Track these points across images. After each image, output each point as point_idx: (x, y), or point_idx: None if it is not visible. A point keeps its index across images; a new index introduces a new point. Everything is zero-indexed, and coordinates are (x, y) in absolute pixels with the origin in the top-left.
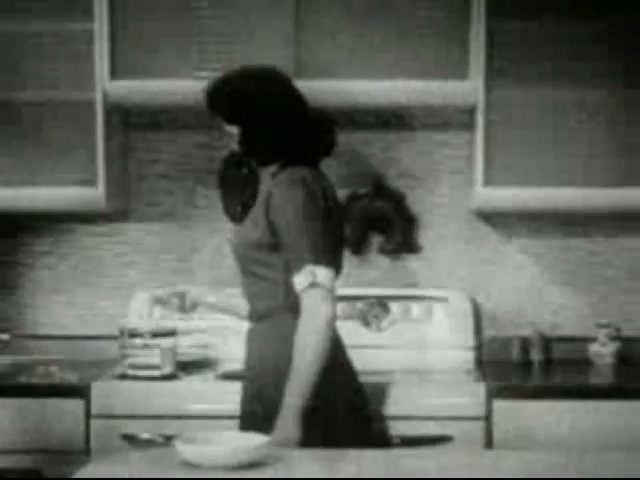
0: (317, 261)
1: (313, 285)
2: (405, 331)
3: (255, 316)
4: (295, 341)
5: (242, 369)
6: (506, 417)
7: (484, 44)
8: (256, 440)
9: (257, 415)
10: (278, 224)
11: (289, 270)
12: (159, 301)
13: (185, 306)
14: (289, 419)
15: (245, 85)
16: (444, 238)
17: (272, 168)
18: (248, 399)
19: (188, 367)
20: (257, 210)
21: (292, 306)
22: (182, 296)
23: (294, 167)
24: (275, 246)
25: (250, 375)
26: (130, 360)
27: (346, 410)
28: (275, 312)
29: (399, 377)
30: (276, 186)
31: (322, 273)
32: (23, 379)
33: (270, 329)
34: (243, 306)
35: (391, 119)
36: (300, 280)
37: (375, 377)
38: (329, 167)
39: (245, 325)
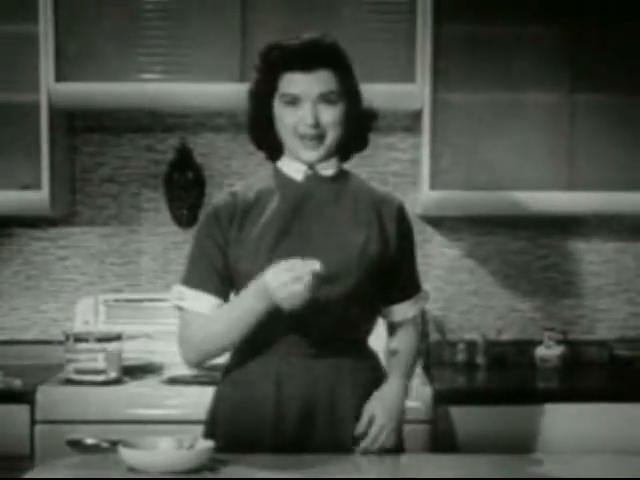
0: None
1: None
2: None
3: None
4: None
5: (187, 374)
6: (452, 421)
7: (430, 47)
8: (200, 445)
9: None
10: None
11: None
12: None
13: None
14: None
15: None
16: None
17: (333, 164)
18: None
19: (134, 372)
20: (366, 216)
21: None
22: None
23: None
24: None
25: None
26: (75, 365)
27: None
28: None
29: None
30: (399, 203)
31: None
32: None
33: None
34: None
35: None
36: (416, 306)
37: None
38: None
39: None
